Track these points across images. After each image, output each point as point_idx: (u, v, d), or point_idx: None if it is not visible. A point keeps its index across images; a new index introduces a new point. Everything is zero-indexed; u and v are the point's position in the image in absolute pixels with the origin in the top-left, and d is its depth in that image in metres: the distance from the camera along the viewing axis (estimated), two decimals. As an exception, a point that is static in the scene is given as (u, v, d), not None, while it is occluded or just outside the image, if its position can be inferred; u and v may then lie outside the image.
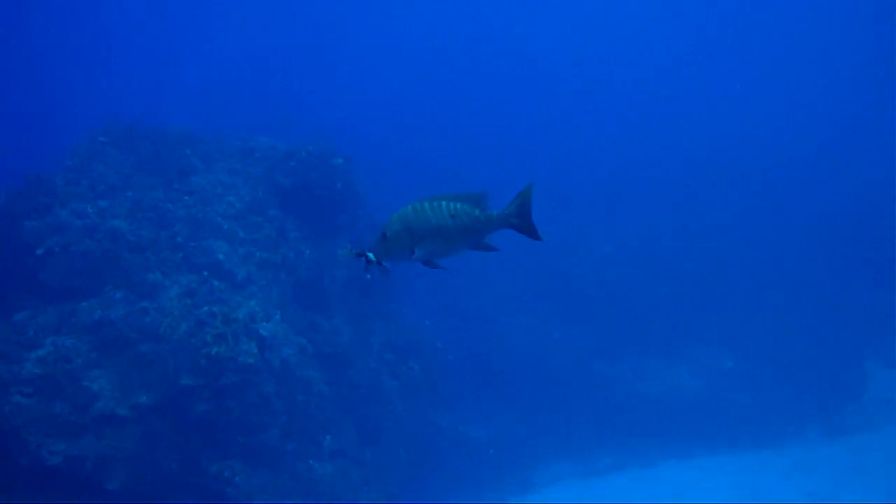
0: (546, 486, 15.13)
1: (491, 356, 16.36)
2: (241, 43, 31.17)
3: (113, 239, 10.30)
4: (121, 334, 9.54)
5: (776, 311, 17.98)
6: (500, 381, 16.04)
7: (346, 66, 31.10)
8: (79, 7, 29.64)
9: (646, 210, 20.31)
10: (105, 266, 10.12)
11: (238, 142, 13.00)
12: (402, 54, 31.12)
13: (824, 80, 26.71)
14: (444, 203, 4.00)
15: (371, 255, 4.00)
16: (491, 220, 4.05)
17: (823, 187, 20.25)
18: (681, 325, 17.81)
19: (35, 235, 10.14)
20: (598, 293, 17.93)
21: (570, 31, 31.66)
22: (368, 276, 4.16)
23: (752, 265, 18.80)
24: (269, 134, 13.56)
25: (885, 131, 22.48)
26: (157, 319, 9.59)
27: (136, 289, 10.03)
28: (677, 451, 15.67)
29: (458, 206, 4.00)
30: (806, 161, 21.15)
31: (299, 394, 10.48)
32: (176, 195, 11.35)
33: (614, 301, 17.81)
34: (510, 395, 16.05)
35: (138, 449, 9.04)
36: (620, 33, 31.14)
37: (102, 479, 8.86)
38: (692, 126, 24.45)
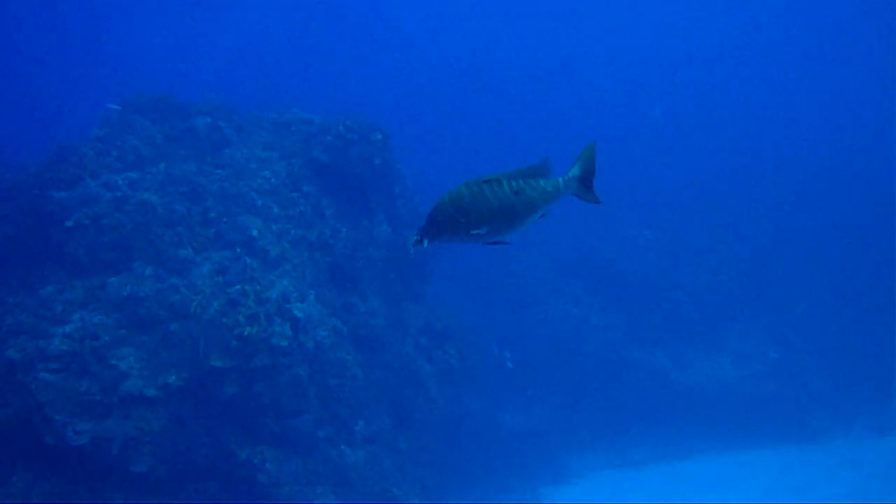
0: (580, 477, 14.77)
1: (527, 341, 15.98)
2: (275, 17, 30.75)
3: (144, 212, 9.91)
4: (150, 312, 9.17)
5: (822, 303, 17.49)
6: (536, 367, 15.66)
7: (382, 45, 30.67)
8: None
9: (687, 196, 19.82)
10: (135, 240, 9.75)
11: (273, 114, 12.56)
12: (440, 35, 30.69)
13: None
14: (504, 181, 3.71)
15: (423, 240, 3.70)
16: (558, 188, 3.82)
17: (866, 178, 19.58)
18: (722, 313, 17.38)
19: (64, 207, 9.77)
20: (638, 279, 17.47)
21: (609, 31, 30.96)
22: (412, 251, 3.89)
23: (797, 255, 18.29)
24: (302, 107, 13.12)
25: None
26: (187, 297, 9.23)
27: (167, 265, 9.66)
28: (716, 444, 15.24)
29: (521, 182, 3.73)
30: (846, 154, 20.53)
31: (332, 377, 10.09)
32: (209, 168, 10.94)
33: (654, 287, 17.37)
34: (546, 382, 15.69)
35: (166, 431, 8.71)
36: (656, 33, 30.46)
37: (129, 462, 8.55)
38: (736, 117, 23.91)
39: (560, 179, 3.82)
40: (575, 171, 3.85)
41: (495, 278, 16.91)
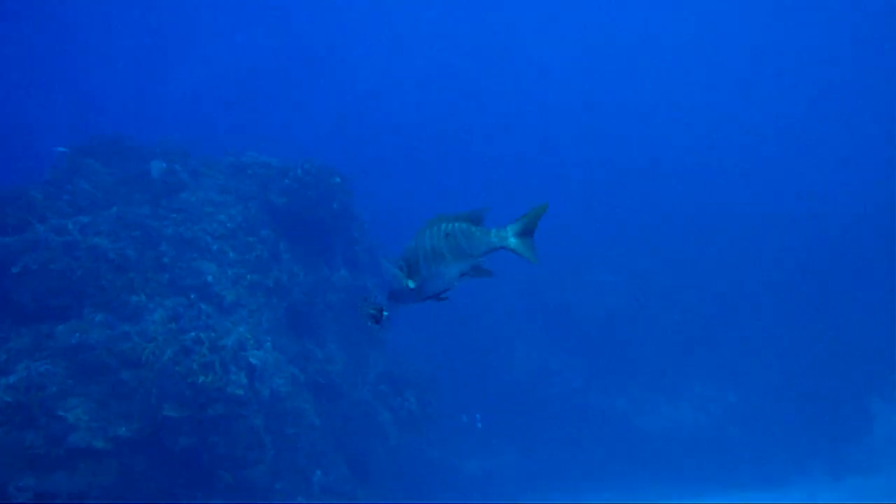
0: (539, 522, 14.56)
1: (487, 386, 15.81)
2: (230, 55, 30.57)
3: (94, 258, 9.61)
4: (100, 360, 8.84)
5: (779, 346, 17.56)
6: (496, 412, 15.47)
7: (339, 81, 30.61)
8: (59, 18, 28.84)
9: (647, 240, 19.88)
10: (85, 286, 9.43)
11: (229, 157, 12.35)
12: (397, 69, 30.73)
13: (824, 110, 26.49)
14: (442, 224, 3.65)
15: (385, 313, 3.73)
16: (489, 238, 3.66)
17: (824, 223, 19.81)
18: (682, 358, 17.37)
19: (10, 252, 9.42)
20: (597, 323, 17.44)
21: (567, 52, 31.28)
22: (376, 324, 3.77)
23: (755, 299, 18.38)
24: (259, 150, 12.93)
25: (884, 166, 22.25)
26: (139, 345, 8.91)
27: (118, 311, 9.34)
28: (677, 490, 15.13)
29: (455, 225, 3.64)
30: (807, 193, 20.78)
31: (289, 426, 9.81)
32: (163, 213, 10.69)
33: (614, 331, 17.34)
34: (506, 427, 15.50)
35: (115, 485, 8.34)
36: (621, 53, 30.83)
37: (76, 518, 8.15)
38: (693, 156, 24.13)
39: (493, 230, 3.66)
40: (515, 226, 3.67)
41: (455, 323, 16.75)
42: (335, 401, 11.04)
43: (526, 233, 3.67)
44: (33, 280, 9.31)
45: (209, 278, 9.98)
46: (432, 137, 26.07)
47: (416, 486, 13.18)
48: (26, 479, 8.03)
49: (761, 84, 28.49)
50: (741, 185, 21.84)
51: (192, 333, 9.01)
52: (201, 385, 8.54)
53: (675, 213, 21.16)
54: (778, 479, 15.34)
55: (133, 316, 9.31)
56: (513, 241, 3.65)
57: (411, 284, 3.65)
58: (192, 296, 9.73)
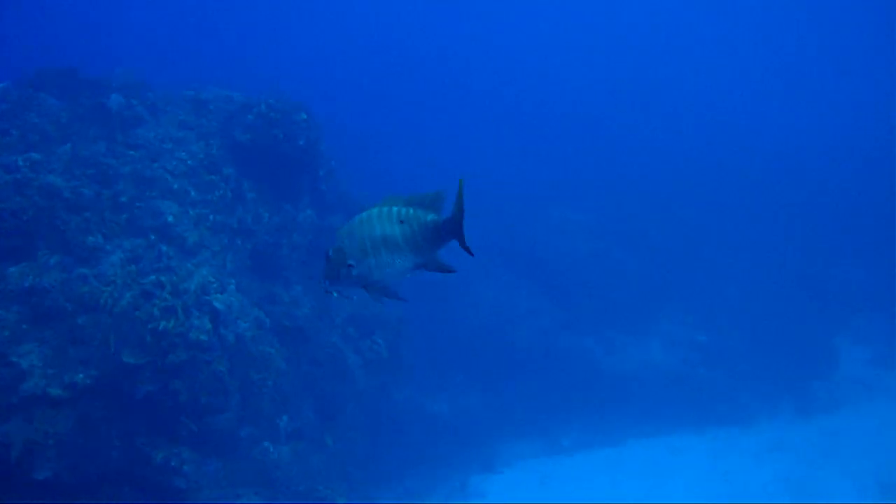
0: (509, 466, 14.50)
1: (456, 328, 15.61)
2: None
3: (48, 196, 9.14)
4: (55, 304, 8.45)
5: (748, 286, 17.56)
6: (464, 353, 15.32)
7: (309, 18, 29.80)
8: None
9: (616, 178, 19.69)
10: (38, 227, 8.98)
11: (190, 91, 11.82)
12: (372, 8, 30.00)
13: (804, 63, 26.31)
14: (394, 208, 3.25)
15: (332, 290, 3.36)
16: (438, 230, 3.27)
17: (798, 161, 19.75)
18: (651, 298, 17.30)
19: (-44, 190, 8.93)
20: (566, 263, 17.27)
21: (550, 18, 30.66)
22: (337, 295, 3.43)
23: (725, 238, 18.36)
24: (222, 84, 12.41)
25: (863, 108, 22.18)
26: (96, 288, 8.53)
27: (74, 253, 8.93)
28: (646, 429, 15.15)
29: (411, 210, 3.24)
30: (783, 135, 20.68)
31: (255, 372, 9.51)
32: (120, 149, 10.20)
33: (583, 271, 17.20)
34: (475, 369, 15.35)
35: (73, 434, 8.04)
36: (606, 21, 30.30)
37: (31, 468, 7.85)
38: (667, 100, 23.87)
39: (440, 221, 3.29)
40: (457, 215, 3.27)
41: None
42: (302, 345, 10.76)
43: (457, 217, 3.27)
44: (-19, 220, 8.84)
45: (170, 218, 9.57)
46: (404, 76, 25.56)
47: (385, 430, 13.02)
48: (-22, 427, 7.70)
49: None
50: (711, 124, 21.66)
51: (153, 276, 8.64)
52: (162, 330, 8.20)
53: (643, 150, 21.00)
54: (746, 417, 15.39)
55: (90, 258, 8.91)
56: (450, 230, 3.30)
57: (352, 263, 3.28)
58: (152, 237, 9.33)
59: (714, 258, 17.94)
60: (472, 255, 3.31)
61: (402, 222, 3.24)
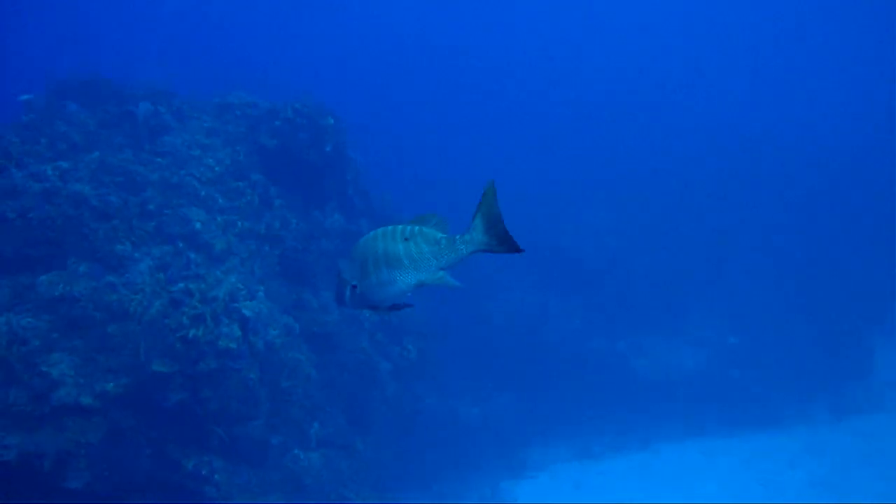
0: (540, 470, 14.39)
1: (485, 331, 15.50)
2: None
3: (76, 205, 9.13)
4: (85, 313, 8.43)
5: (780, 286, 17.28)
6: (494, 358, 15.21)
7: (334, 23, 29.83)
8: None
9: (644, 179, 19.49)
10: (67, 235, 8.98)
11: (216, 98, 11.81)
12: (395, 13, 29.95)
13: (822, 62, 26.00)
14: (399, 226, 3.21)
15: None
16: (454, 245, 3.16)
17: (825, 158, 19.44)
18: (681, 299, 17.10)
19: (-14, 200, 8.93)
20: (595, 265, 17.12)
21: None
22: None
23: (756, 237, 18.07)
24: (247, 90, 12.37)
25: (884, 100, 21.84)
26: (125, 297, 8.50)
27: (103, 261, 8.91)
28: (678, 432, 14.97)
29: (416, 228, 3.17)
30: (807, 133, 20.38)
31: (285, 379, 9.46)
32: (147, 157, 10.19)
33: (612, 273, 17.04)
34: (505, 373, 15.24)
35: (104, 444, 8.00)
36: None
37: (63, 478, 7.82)
38: (693, 100, 23.64)
39: (457, 237, 3.17)
40: (476, 224, 3.15)
41: (454, 267, 16.36)
42: (331, 351, 10.69)
43: (491, 224, 3.15)
44: (11, 229, 8.82)
45: (198, 225, 9.53)
46: (426, 81, 25.49)
47: (415, 435, 12.94)
48: (10, 437, 7.67)
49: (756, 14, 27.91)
50: (740, 120, 21.40)
51: (181, 284, 8.58)
52: (192, 338, 8.15)
53: (670, 151, 20.79)
54: (779, 419, 15.16)
55: (118, 266, 8.89)
56: (484, 239, 3.18)
57: (354, 283, 3.25)
58: (180, 244, 9.29)
59: (743, 259, 17.69)
60: (521, 250, 3.19)
61: (406, 239, 3.18)
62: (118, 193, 9.51)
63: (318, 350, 10.37)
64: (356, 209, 12.24)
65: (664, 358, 16.07)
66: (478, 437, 14.16)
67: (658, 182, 19.32)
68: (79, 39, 26.07)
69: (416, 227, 3.18)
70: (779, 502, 12.60)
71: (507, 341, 15.53)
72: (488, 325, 15.68)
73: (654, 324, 16.55)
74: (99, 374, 8.16)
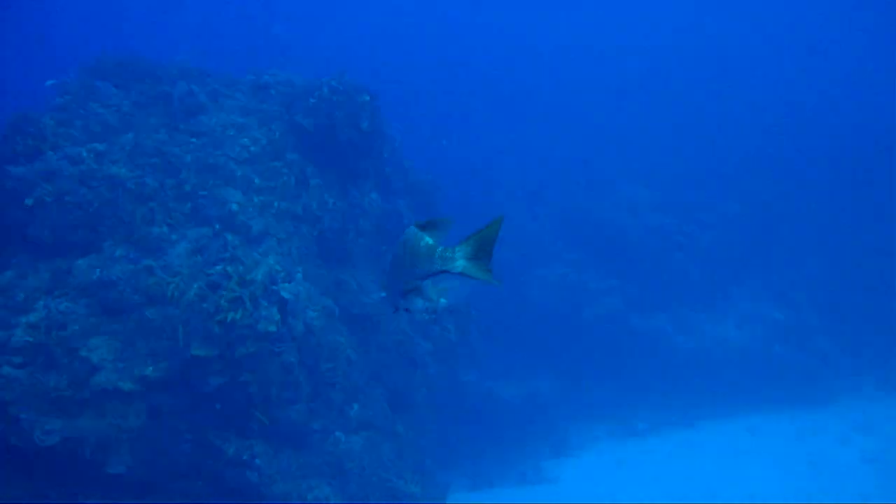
0: (581, 450, 14.25)
1: (524, 310, 15.30)
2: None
3: (112, 187, 9.04)
4: (123, 297, 8.34)
5: (824, 261, 16.89)
6: (534, 337, 15.02)
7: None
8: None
9: (682, 151, 19.10)
10: (104, 218, 8.89)
11: (250, 76, 11.62)
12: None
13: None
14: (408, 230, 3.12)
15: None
16: (433, 258, 3.01)
17: (872, 135, 18.87)
18: (724, 274, 16.79)
19: (23, 183, 8.83)
20: (635, 241, 16.81)
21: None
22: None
23: (798, 209, 17.65)
24: (282, 67, 12.17)
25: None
26: (163, 280, 8.39)
27: (140, 244, 8.81)
28: (722, 410, 14.74)
29: (412, 230, 3.08)
30: (854, 109, 19.79)
31: (325, 361, 9.33)
32: (182, 137, 10.05)
33: (652, 249, 16.74)
34: (545, 352, 15.07)
35: (145, 428, 7.95)
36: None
37: (105, 462, 7.82)
38: (734, 72, 23.10)
39: (439, 250, 3.01)
40: (465, 247, 2.98)
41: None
42: (371, 332, 10.54)
43: (479, 254, 2.98)
44: (48, 213, 8.75)
45: (234, 206, 9.39)
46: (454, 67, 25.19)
47: (456, 416, 12.82)
48: (52, 422, 7.65)
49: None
50: (786, 95, 20.88)
51: (219, 266, 8.46)
52: (231, 322, 8.03)
53: (709, 125, 20.39)
54: (827, 396, 14.88)
55: (156, 249, 8.78)
56: (461, 265, 2.99)
57: (382, 294, 3.27)
58: (217, 226, 9.16)
59: (788, 233, 17.32)
60: (494, 283, 3.01)
61: (403, 242, 3.14)
62: (154, 175, 9.39)
63: (357, 332, 10.23)
64: (394, 187, 12.04)
65: (707, 334, 15.81)
66: (519, 416, 14.02)
67: (695, 157, 18.95)
68: (110, 22, 26.02)
69: (412, 231, 3.09)
70: (829, 484, 12.30)
71: (546, 319, 15.34)
72: (527, 304, 15.49)
73: (697, 299, 16.28)
74: (138, 358, 8.09)
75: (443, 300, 2.96)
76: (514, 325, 14.94)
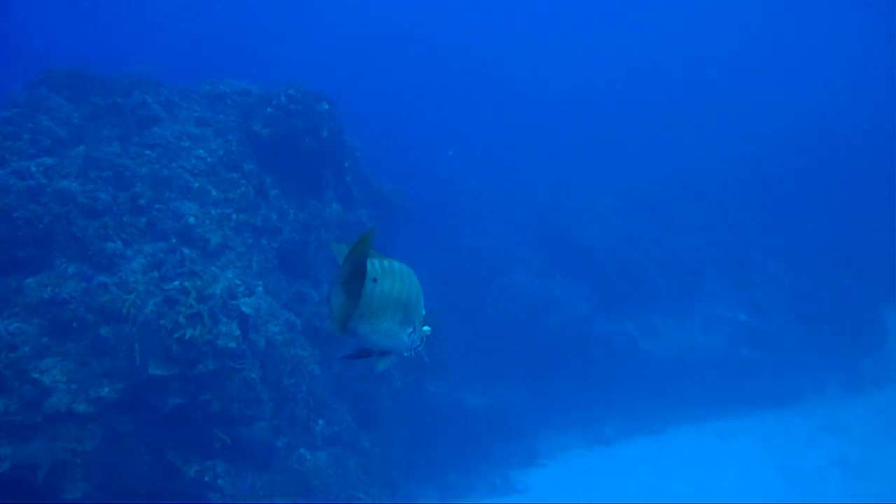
0: (550, 458, 14.14)
1: (489, 318, 15.14)
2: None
3: (63, 202, 8.74)
4: (76, 315, 8.07)
5: (789, 261, 16.95)
6: (500, 346, 14.85)
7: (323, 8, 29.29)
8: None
9: (647, 158, 19.14)
10: (55, 235, 8.59)
11: (206, 86, 11.35)
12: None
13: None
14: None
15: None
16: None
17: (833, 132, 19.06)
18: (689, 278, 16.75)
19: (-31, 200, 8.51)
20: (600, 247, 16.73)
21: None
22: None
23: (762, 213, 17.74)
24: (239, 77, 11.93)
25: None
26: (118, 297, 8.13)
27: (93, 261, 8.54)
28: (691, 414, 14.67)
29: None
30: (816, 108, 20.01)
31: (287, 377, 9.07)
32: (136, 150, 9.76)
33: (617, 254, 16.67)
34: (511, 360, 14.89)
35: (101, 451, 7.68)
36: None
37: (60, 489, 7.50)
38: (695, 78, 23.26)
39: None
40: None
41: (452, 252, 16.06)
42: (334, 345, 10.30)
43: (350, 276, 2.75)
44: (-5, 229, 8.43)
45: (191, 220, 9.12)
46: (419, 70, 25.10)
47: (422, 427, 12.61)
48: (2, 448, 7.34)
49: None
50: (744, 98, 21.05)
51: (177, 282, 8.20)
52: (189, 339, 7.77)
53: (670, 130, 20.46)
54: (794, 398, 14.88)
55: (110, 265, 8.51)
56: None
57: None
58: (174, 240, 8.90)
59: (751, 235, 17.38)
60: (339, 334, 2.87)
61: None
62: (107, 189, 9.12)
63: (320, 345, 9.98)
64: (355, 198, 11.83)
65: (674, 338, 15.75)
66: (486, 426, 13.84)
67: (657, 162, 18.99)
68: (60, 29, 25.56)
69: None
70: (797, 485, 12.29)
71: (513, 328, 15.18)
72: (493, 312, 15.32)
73: (662, 304, 16.23)
74: (93, 379, 7.83)
75: (426, 328, 2.72)
76: (480, 334, 14.77)
